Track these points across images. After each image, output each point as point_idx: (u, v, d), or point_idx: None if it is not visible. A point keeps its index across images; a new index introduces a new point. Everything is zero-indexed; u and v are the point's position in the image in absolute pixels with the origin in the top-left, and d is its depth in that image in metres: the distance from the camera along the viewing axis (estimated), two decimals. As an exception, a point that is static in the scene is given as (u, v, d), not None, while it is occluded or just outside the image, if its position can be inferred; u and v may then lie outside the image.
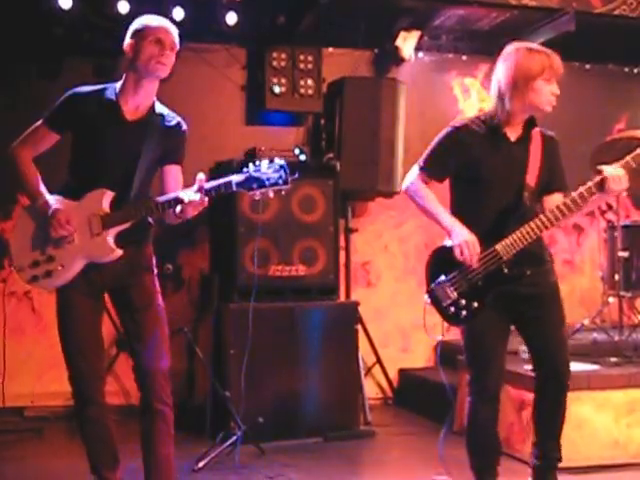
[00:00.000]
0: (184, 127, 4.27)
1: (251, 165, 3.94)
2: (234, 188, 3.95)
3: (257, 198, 4.02)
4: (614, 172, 4.08)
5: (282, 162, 3.95)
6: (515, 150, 4.26)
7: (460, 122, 4.34)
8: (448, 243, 4.21)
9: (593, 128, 7.86)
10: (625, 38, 7.67)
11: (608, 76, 8.59)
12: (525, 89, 4.15)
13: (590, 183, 4.12)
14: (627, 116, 8.44)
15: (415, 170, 4.35)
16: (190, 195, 3.95)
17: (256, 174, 3.92)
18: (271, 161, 3.95)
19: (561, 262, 8.25)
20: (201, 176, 3.97)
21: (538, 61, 4.16)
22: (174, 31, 4.13)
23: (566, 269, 8.28)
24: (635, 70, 8.72)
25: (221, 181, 3.97)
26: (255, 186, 3.93)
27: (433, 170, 4.32)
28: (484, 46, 7.89)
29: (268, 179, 3.92)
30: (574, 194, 4.14)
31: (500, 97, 4.24)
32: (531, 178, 4.23)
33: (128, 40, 4.11)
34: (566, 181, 4.36)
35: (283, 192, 3.99)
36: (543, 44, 7.16)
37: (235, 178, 3.95)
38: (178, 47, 4.13)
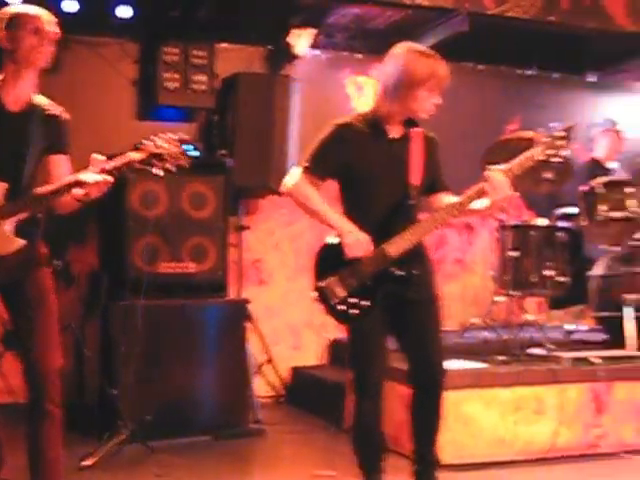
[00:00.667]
0: (66, 116, 4.17)
1: (146, 141, 3.89)
2: (136, 165, 3.90)
3: (160, 174, 3.95)
4: (494, 181, 4.10)
5: (177, 135, 3.94)
6: (396, 148, 4.25)
7: (342, 119, 4.28)
8: (334, 240, 4.19)
9: (486, 128, 7.91)
10: (518, 40, 7.79)
11: (501, 77, 8.71)
12: (407, 94, 4.14)
13: (470, 191, 4.16)
14: (520, 117, 8.54)
15: (298, 170, 4.28)
16: (92, 176, 3.86)
17: (156, 150, 3.87)
18: (165, 136, 3.93)
19: (453, 261, 8.35)
20: (98, 156, 3.90)
21: (425, 68, 4.12)
22: (52, 19, 4.03)
23: (458, 268, 8.36)
24: (528, 72, 8.85)
25: (122, 159, 3.91)
26: (156, 161, 3.88)
27: (317, 169, 4.24)
28: (379, 45, 7.84)
29: (168, 153, 3.89)
30: (456, 200, 4.19)
31: (382, 95, 4.24)
32: (415, 177, 4.22)
33: (3, 31, 3.98)
34: (445, 181, 4.40)
35: (185, 164, 3.95)
36: (437, 44, 7.42)
37: (135, 155, 3.90)
38: (58, 35, 4.03)
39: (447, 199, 4.28)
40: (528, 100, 8.66)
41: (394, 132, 4.27)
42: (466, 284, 8.29)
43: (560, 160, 4.23)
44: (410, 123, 4.29)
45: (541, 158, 4.18)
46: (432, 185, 4.33)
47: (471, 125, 7.94)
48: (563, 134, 4.21)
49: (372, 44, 8.02)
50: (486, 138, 7.02)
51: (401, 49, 4.24)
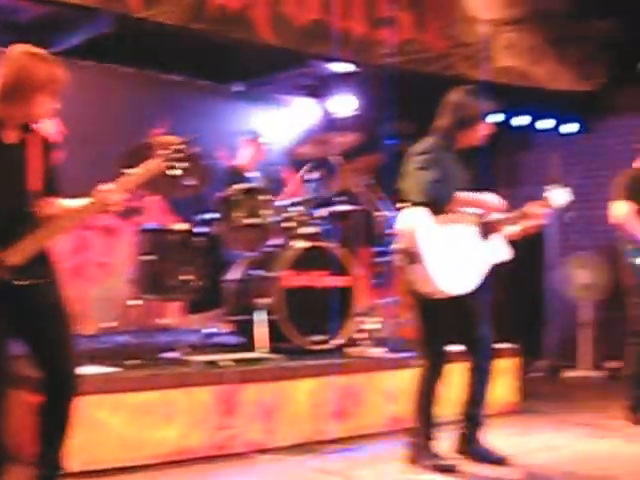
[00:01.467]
0: None
1: None
2: None
3: None
4: (105, 190, 4.15)
5: None
6: (13, 154, 4.14)
7: None
8: None
9: (130, 131, 7.86)
10: (166, 45, 7.79)
11: (148, 81, 8.68)
12: (24, 98, 4.08)
13: (90, 201, 4.16)
14: (168, 122, 8.56)
15: None
16: None
17: None
18: None
19: (95, 265, 8.23)
20: None
21: (44, 72, 4.09)
22: None
23: (100, 272, 8.25)
24: (176, 77, 8.90)
25: None
26: None
27: None
28: (24, 39, 7.59)
29: None
30: (78, 207, 4.20)
31: None
32: (34, 182, 4.15)
33: None
34: (61, 185, 4.35)
35: None
36: (83, 43, 7.29)
37: None
38: None
39: (64, 203, 4.25)
40: (176, 105, 8.69)
41: (11, 137, 4.17)
42: (107, 288, 8.19)
43: (180, 171, 4.36)
44: (28, 127, 4.21)
45: (159, 169, 4.30)
46: (49, 189, 4.25)
47: (114, 127, 7.84)
48: (180, 147, 4.32)
49: (17, 38, 7.67)
50: (129, 141, 6.99)
51: (18, 51, 4.17)
